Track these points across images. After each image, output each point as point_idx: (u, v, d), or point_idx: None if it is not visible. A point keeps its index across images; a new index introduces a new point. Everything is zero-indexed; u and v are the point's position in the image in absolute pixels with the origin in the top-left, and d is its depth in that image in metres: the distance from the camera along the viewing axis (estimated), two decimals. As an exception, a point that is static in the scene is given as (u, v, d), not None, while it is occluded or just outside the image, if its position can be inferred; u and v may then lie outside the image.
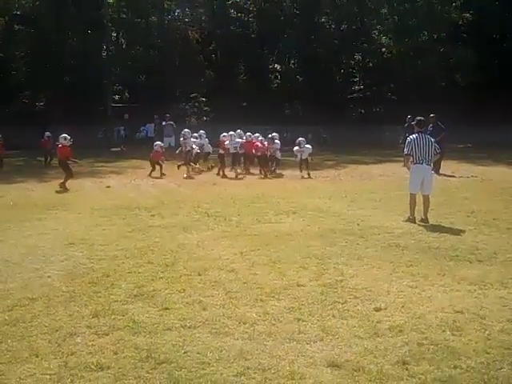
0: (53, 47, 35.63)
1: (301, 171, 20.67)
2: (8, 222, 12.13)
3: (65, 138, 18.38)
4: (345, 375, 5.04)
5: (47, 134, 24.28)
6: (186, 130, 22.13)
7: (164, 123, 29.06)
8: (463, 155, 26.61)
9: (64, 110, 33.39)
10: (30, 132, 25.83)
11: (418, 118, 12.73)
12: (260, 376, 5.03)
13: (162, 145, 22.65)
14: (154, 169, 20.93)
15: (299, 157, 20.80)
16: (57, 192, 16.99)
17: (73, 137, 21.27)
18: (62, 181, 17.75)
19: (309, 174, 20.45)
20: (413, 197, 12.09)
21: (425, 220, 11.79)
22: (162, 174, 20.75)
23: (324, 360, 5.31)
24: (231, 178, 19.86)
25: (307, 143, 21.41)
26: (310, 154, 20.96)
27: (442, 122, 21.15)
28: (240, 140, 21.23)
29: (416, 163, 12.13)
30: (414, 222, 11.67)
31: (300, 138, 21.37)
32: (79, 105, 33.86)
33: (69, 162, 18.45)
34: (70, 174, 18.17)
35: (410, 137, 12.34)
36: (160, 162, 21.24)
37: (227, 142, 21.08)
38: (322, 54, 40.12)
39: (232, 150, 21.05)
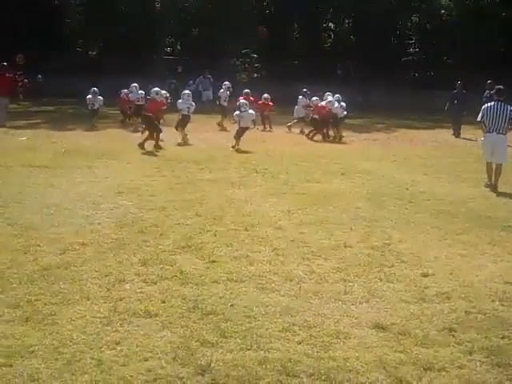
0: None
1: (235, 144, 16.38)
2: (60, 168, 12.37)
3: (157, 93, 16.59)
4: (390, 338, 5.03)
5: (125, 91, 21.26)
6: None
7: (202, 77, 29.39)
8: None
9: (116, 60, 33.53)
10: (82, 81, 25.97)
11: (498, 86, 12.65)
12: (305, 333, 5.07)
13: (127, 91, 21.15)
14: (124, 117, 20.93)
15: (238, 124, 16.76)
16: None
17: (124, 89, 21.32)
18: (141, 140, 15.77)
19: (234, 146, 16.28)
20: (488, 164, 12.09)
21: (494, 187, 11.66)
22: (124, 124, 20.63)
23: (369, 322, 5.32)
24: (281, 135, 19.69)
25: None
26: (253, 122, 17.30)
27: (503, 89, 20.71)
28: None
29: (487, 132, 12.11)
30: (495, 190, 11.55)
31: (241, 101, 17.84)
32: (131, 55, 33.93)
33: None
34: (155, 132, 15.89)
35: (486, 104, 12.28)
36: (128, 110, 20.90)
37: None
38: (377, 15, 39.08)
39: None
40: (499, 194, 11.27)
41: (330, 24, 44.15)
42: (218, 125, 21.17)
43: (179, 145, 16.74)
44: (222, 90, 22.57)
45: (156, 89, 16.93)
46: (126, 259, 6.81)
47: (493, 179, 11.91)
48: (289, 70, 35.71)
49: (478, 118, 12.29)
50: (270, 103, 21.46)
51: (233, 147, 16.12)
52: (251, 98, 21.16)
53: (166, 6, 39.27)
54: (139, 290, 5.89)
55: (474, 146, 18.20)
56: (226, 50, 37.78)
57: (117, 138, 17.82)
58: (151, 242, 7.47)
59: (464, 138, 20.50)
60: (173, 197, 10.07)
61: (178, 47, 42.91)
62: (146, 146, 15.53)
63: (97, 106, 20.34)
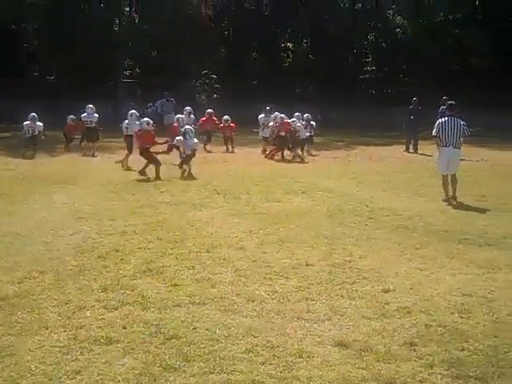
0: (64, 20, 35.38)
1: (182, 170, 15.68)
2: (18, 195, 12.17)
3: (147, 123, 15.96)
4: (352, 355, 5.06)
5: (71, 117, 21.54)
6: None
7: (165, 100, 29.27)
8: (473, 139, 26.37)
9: (75, 84, 33.31)
10: (40, 107, 25.70)
11: (450, 102, 13.31)
12: (268, 353, 5.06)
13: (74, 118, 21.49)
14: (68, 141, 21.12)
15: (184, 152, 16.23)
16: (70, 166, 16.95)
17: (82, 113, 21.20)
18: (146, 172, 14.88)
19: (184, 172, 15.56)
20: (444, 177, 12.46)
21: (453, 198, 12.16)
22: (67, 149, 20.65)
23: (332, 339, 5.34)
24: (242, 156, 19.75)
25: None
26: (195, 148, 16.12)
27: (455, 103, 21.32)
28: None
29: (443, 146, 12.44)
30: (455, 201, 12.04)
31: (187, 127, 16.70)
32: (90, 79, 33.76)
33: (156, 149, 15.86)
34: (157, 163, 15.01)
35: (440, 119, 12.70)
36: (72, 136, 21.22)
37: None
38: (334, 34, 39.73)
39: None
40: (456, 207, 11.48)
41: (289, 44, 44.65)
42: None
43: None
44: (182, 116, 22.03)
45: (146, 119, 16.49)
46: (86, 286, 6.72)
47: (450, 192, 12.22)
48: (248, 91, 35.94)
49: (433, 133, 12.63)
50: (232, 124, 21.56)
51: (182, 174, 15.26)
52: (213, 118, 21.22)
53: (125, 29, 39.26)
54: (100, 317, 5.82)
55: (431, 162, 18.55)
56: (186, 72, 37.85)
57: (75, 164, 17.69)
58: (112, 268, 7.39)
59: (421, 154, 20.87)
60: (133, 221, 10.00)
61: (137, 70, 42.83)
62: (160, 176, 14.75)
63: (36, 131, 19.87)
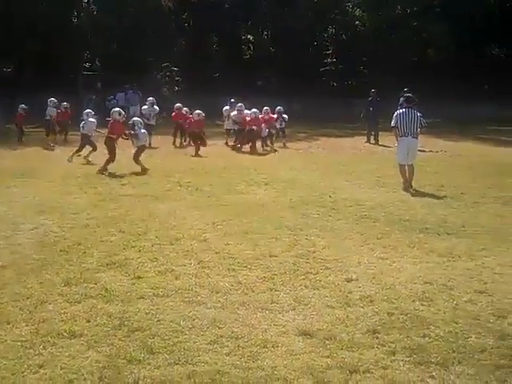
0: (20, 11, 34.68)
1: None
2: (-24, 190, 11.95)
3: (119, 113, 15.58)
4: (316, 344, 5.11)
5: (22, 106, 21.54)
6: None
7: (132, 92, 28.98)
8: (432, 130, 26.77)
9: (33, 77, 32.76)
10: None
11: (407, 94, 14.17)
12: (233, 344, 5.08)
13: (25, 107, 21.59)
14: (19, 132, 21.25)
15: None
16: (34, 160, 16.70)
17: (41, 105, 20.93)
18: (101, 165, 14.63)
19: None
20: (402, 166, 12.93)
21: (409, 187, 12.50)
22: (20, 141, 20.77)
23: (296, 329, 5.38)
24: (205, 148, 19.69)
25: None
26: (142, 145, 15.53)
27: (413, 95, 21.63)
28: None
29: (402, 136, 12.95)
30: (410, 188, 12.48)
31: (135, 119, 16.29)
32: (49, 72, 33.23)
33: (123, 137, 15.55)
34: (112, 157, 14.81)
35: (398, 111, 13.23)
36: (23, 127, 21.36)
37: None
38: (295, 26, 39.83)
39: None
40: (416, 197, 11.66)
41: (249, 36, 44.59)
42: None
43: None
44: (145, 107, 21.55)
45: (117, 109, 16.10)
46: (49, 279, 6.64)
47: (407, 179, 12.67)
48: (210, 83, 35.83)
49: (392, 124, 13.11)
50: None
51: (143, 170, 14.51)
52: (183, 112, 21.02)
53: (83, 21, 38.69)
54: (63, 311, 5.76)
55: (392, 153, 18.79)
56: (147, 64, 37.53)
57: (36, 157, 17.43)
58: (74, 261, 7.32)
59: (382, 145, 21.10)
60: (95, 214, 9.91)
61: (97, 62, 42.29)
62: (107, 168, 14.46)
63: None
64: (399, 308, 5.86)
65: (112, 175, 13.85)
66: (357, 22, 41.90)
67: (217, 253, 7.69)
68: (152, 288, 6.37)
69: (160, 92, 33.79)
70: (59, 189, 12.26)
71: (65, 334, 5.23)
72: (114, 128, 15.23)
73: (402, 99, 20.34)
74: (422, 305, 5.96)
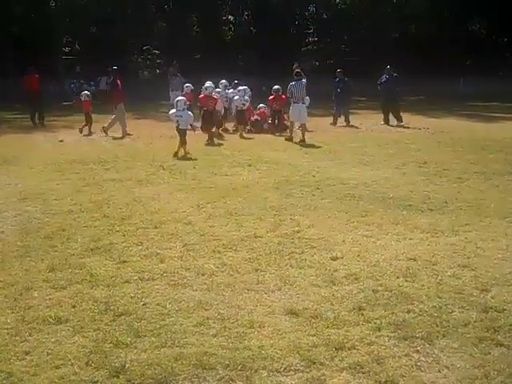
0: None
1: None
2: (-43, 178, 11.83)
3: (87, 95, 19.76)
4: (302, 322, 5.14)
5: (86, 93, 20.53)
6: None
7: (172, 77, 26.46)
8: (415, 107, 26.92)
9: (12, 61, 32.40)
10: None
11: (297, 70, 17.77)
12: (219, 325, 5.09)
13: (89, 93, 20.59)
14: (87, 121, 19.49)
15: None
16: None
17: (23, 90, 20.71)
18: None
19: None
20: (292, 123, 17.56)
21: (303, 141, 16.73)
22: (84, 128, 19.27)
23: (282, 308, 5.40)
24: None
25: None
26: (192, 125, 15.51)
27: (382, 74, 21.60)
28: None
29: (295, 102, 17.14)
30: (291, 140, 16.96)
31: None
32: (28, 56, 32.85)
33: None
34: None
35: (290, 83, 17.20)
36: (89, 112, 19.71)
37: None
38: (275, 5, 39.71)
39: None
40: (400, 175, 11.70)
41: (230, 17, 44.39)
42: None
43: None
44: (237, 97, 19.62)
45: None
46: (33, 266, 6.61)
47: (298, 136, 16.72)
48: (192, 65, 35.63)
49: (288, 95, 17.41)
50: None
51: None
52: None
53: (62, 4, 38.23)
54: (48, 297, 5.74)
55: (375, 131, 18.88)
56: (127, 47, 37.25)
57: (16, 143, 17.26)
58: (59, 247, 7.29)
59: (352, 126, 21.06)
60: (79, 199, 9.85)
61: (77, 47, 41.88)
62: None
63: None
64: (384, 285, 5.90)
65: (96, 160, 13.72)
66: (338, 0, 41.78)
67: (201, 235, 7.69)
68: (137, 272, 6.37)
69: (139, 75, 33.56)
70: (42, 175, 12.17)
71: (51, 320, 5.21)
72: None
73: (386, 76, 20.99)
74: (406, 281, 6.00)
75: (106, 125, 18.61)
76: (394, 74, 21.57)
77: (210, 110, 17.51)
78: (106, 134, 18.38)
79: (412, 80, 23.85)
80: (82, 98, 19.75)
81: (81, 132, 19.04)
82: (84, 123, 19.33)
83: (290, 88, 17.12)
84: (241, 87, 19.62)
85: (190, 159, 13.85)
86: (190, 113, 15.15)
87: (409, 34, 39.63)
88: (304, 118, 17.13)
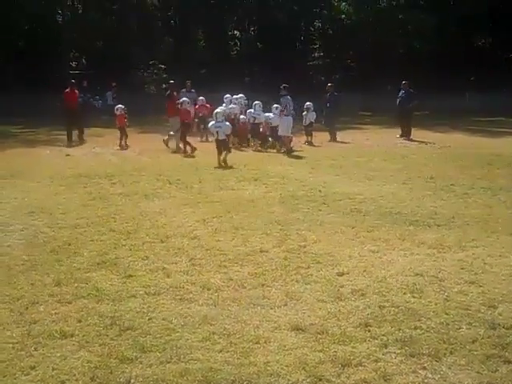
0: (4, 10, 34.42)
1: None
2: (-36, 192, 11.86)
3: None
4: (309, 338, 5.11)
5: (121, 106, 20.20)
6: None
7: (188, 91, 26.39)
8: (421, 122, 26.87)
9: (19, 76, 32.55)
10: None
11: (284, 84, 20.59)
12: (225, 341, 5.07)
13: (124, 107, 20.26)
14: (122, 135, 19.50)
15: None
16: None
17: (29, 104, 20.79)
18: None
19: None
20: (285, 137, 17.98)
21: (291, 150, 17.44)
22: (122, 143, 19.35)
23: (288, 324, 5.38)
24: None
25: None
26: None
27: (400, 88, 21.91)
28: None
29: (285, 115, 18.25)
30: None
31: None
32: (35, 71, 33.04)
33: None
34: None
35: (287, 97, 19.86)
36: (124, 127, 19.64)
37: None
38: (281, 21, 39.83)
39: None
40: (406, 190, 11.67)
41: (236, 32, 44.56)
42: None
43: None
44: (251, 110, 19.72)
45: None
46: (39, 280, 6.61)
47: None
48: (197, 80, 35.73)
49: (281, 108, 18.59)
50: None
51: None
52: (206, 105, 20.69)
53: (67, 19, 38.52)
54: (54, 311, 5.74)
55: (381, 146, 18.87)
56: (133, 62, 37.41)
57: (23, 157, 17.31)
58: (65, 261, 7.29)
59: (341, 142, 21.07)
60: (85, 213, 9.87)
61: (83, 61, 42.09)
62: None
63: None
64: (390, 301, 5.87)
65: (102, 175, 13.75)
66: (343, 16, 41.93)
67: (207, 250, 7.68)
68: (143, 286, 6.36)
69: (145, 90, 33.69)
70: (48, 189, 12.20)
71: (56, 334, 5.21)
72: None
73: (402, 91, 21.37)
74: (413, 297, 5.98)
75: (166, 137, 18.76)
76: (410, 90, 21.91)
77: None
78: (167, 145, 18.46)
79: (417, 95, 23.85)
80: (118, 112, 19.66)
81: (121, 148, 19.06)
82: (119, 138, 19.35)
83: (287, 101, 19.25)
84: (256, 101, 19.69)
85: (218, 169, 13.84)
86: (227, 123, 15.88)
87: (413, 49, 39.66)
88: (289, 131, 18.29)
